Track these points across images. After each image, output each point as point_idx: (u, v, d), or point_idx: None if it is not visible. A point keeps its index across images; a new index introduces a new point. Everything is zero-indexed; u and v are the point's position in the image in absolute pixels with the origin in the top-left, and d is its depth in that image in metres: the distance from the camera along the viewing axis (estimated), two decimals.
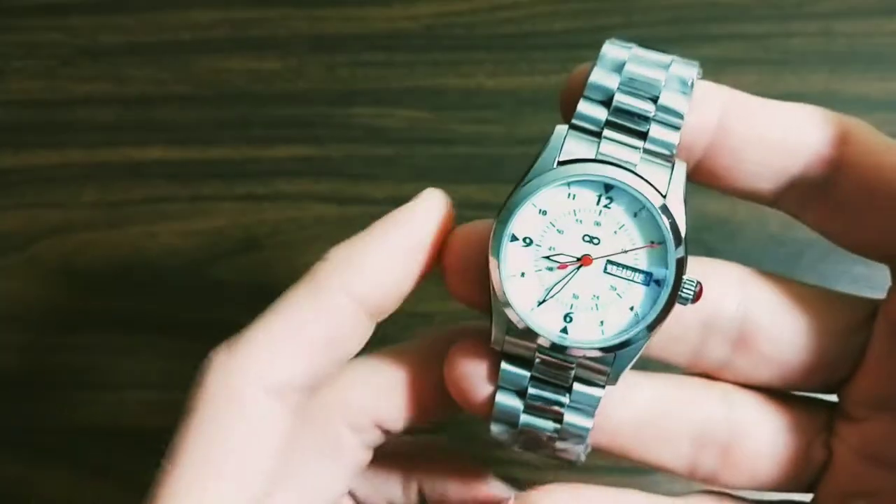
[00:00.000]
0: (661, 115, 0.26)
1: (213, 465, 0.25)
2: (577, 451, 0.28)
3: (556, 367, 0.27)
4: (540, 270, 0.26)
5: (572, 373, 0.27)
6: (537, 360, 0.27)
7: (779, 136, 0.27)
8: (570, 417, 0.27)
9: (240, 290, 0.47)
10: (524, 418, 0.28)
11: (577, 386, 0.27)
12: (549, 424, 0.28)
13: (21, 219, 0.49)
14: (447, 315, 0.44)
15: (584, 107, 0.26)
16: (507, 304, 0.26)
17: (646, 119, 0.26)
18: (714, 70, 0.48)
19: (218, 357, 0.26)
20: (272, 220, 0.48)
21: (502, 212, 0.26)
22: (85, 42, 0.51)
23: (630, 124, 0.26)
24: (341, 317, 0.26)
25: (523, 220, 0.26)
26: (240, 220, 0.48)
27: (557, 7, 0.50)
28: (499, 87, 0.49)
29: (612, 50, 0.27)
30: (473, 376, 0.28)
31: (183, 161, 0.49)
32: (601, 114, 0.26)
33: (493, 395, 0.27)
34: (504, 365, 0.27)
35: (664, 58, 0.27)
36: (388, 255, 0.27)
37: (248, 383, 0.25)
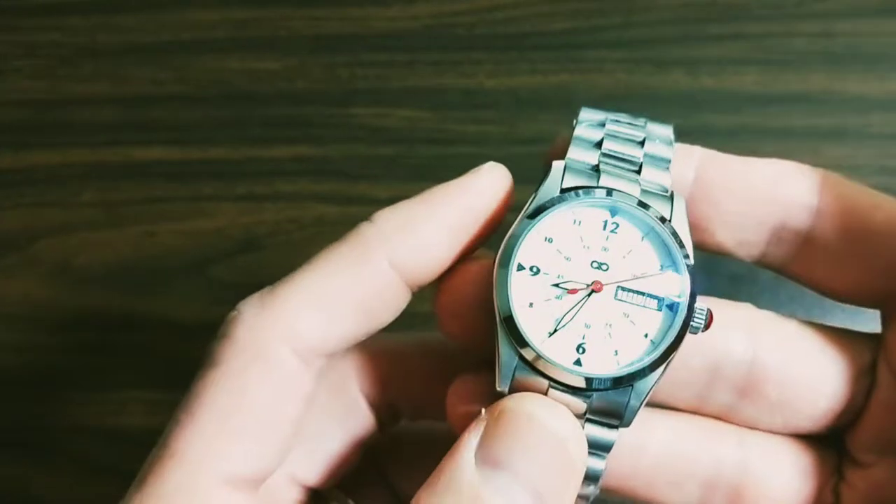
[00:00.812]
0: (650, 160, 0.26)
1: (233, 421, 0.24)
2: (587, 493, 0.27)
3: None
4: (549, 300, 0.25)
5: (585, 413, 0.25)
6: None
7: (757, 185, 0.27)
8: None
9: (240, 290, 0.46)
10: None
11: (589, 429, 0.25)
12: None
13: (21, 219, 0.49)
14: None
15: (575, 153, 0.26)
16: (519, 338, 0.25)
17: (636, 164, 0.26)
18: (714, 70, 0.48)
19: (248, 310, 0.25)
20: (272, 220, 0.47)
21: (507, 241, 0.25)
22: (85, 42, 0.51)
23: (623, 165, 0.26)
24: (381, 284, 0.25)
25: (529, 249, 0.25)
26: (240, 220, 0.48)
27: (557, 7, 0.50)
28: (499, 86, 0.49)
29: (589, 113, 0.27)
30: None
31: (183, 161, 0.49)
32: (593, 157, 0.26)
33: None
34: None
35: (639, 120, 0.28)
36: (438, 227, 0.26)
37: (278, 342, 0.24)
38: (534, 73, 0.49)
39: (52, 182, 0.49)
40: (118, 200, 0.49)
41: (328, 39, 0.50)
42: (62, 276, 0.48)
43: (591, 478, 0.26)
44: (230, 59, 0.50)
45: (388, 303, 0.26)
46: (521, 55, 0.49)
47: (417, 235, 0.25)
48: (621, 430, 0.26)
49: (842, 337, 0.28)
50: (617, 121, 0.27)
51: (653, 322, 0.25)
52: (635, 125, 0.27)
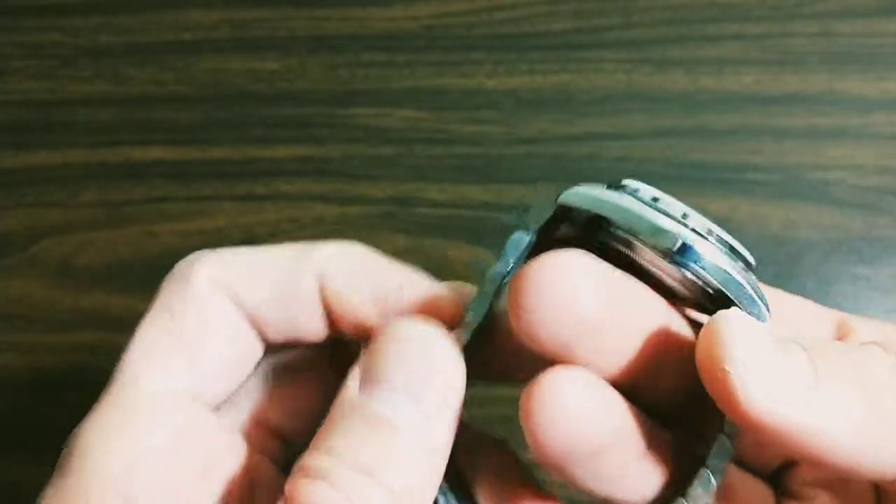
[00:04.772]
0: None
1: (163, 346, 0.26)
2: None
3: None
4: None
5: None
6: None
7: None
8: None
9: None
10: None
11: None
12: None
13: (21, 219, 0.49)
14: None
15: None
16: None
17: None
18: (713, 70, 0.48)
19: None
20: (272, 220, 0.47)
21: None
22: (85, 42, 0.51)
23: None
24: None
25: None
26: (240, 220, 0.48)
27: (557, 7, 0.50)
28: (499, 87, 0.49)
29: None
30: None
31: (183, 161, 0.49)
32: None
33: None
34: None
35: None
36: None
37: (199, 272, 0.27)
38: (534, 73, 0.49)
39: (53, 182, 0.49)
40: (118, 200, 0.49)
41: (328, 39, 0.51)
42: (62, 276, 0.48)
43: None
44: (230, 59, 0.51)
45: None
46: (521, 55, 0.49)
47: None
48: None
49: None
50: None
51: None
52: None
